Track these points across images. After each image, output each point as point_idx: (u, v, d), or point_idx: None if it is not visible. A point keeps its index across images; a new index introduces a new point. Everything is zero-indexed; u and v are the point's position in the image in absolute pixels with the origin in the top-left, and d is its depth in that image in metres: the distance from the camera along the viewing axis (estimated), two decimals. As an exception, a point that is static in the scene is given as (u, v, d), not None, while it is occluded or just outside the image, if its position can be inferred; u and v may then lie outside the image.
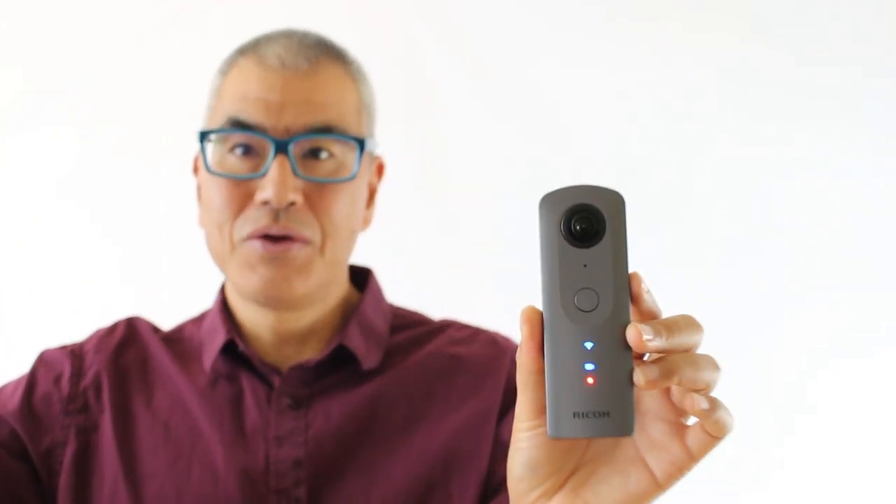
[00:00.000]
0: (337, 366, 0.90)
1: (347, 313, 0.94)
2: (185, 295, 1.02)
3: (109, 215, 1.52)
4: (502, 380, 0.90)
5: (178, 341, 0.94)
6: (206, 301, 0.99)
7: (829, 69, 1.64)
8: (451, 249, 1.66)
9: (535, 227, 0.54)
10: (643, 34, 1.70)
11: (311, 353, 0.91)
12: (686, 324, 0.51)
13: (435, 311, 1.02)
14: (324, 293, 0.91)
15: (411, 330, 0.96)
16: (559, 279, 0.51)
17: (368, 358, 0.90)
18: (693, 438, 0.53)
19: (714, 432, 0.52)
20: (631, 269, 0.52)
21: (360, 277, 0.98)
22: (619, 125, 1.70)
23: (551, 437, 0.52)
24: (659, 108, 1.70)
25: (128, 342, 0.93)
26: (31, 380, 0.90)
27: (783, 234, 1.63)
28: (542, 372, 0.52)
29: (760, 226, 1.64)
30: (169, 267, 1.51)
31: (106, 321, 0.97)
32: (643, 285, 0.52)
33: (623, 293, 0.51)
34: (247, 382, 0.89)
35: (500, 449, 0.86)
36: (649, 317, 0.52)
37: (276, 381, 0.88)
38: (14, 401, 0.88)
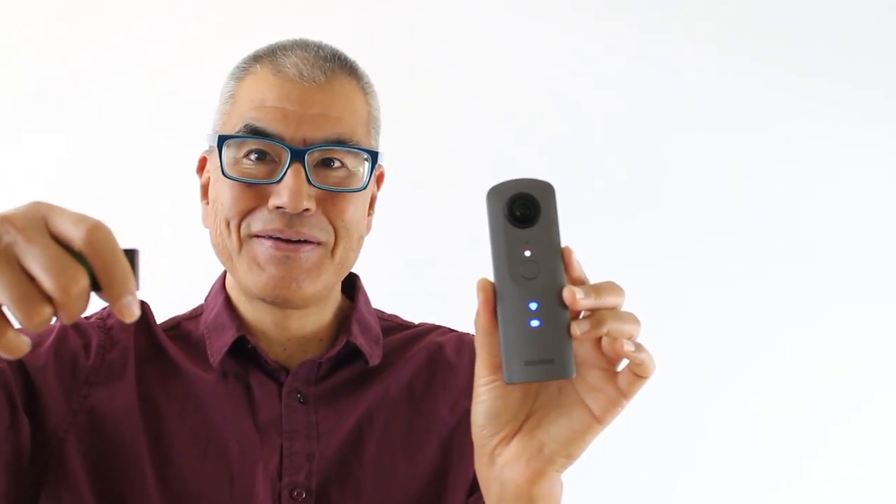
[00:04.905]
0: (342, 364, 0.93)
1: (341, 317, 0.97)
2: (184, 295, 1.02)
3: (109, 215, 1.56)
4: None
5: (180, 336, 0.94)
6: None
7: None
8: (448, 249, 1.72)
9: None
10: (644, 39, 1.79)
11: (315, 353, 0.93)
12: (610, 287, 0.62)
13: (432, 311, 1.06)
14: (327, 295, 0.93)
15: (399, 332, 1.00)
16: (506, 254, 0.62)
17: (373, 355, 0.93)
18: (623, 380, 0.64)
19: (640, 372, 0.63)
20: (566, 244, 0.63)
21: (347, 282, 0.99)
22: (619, 126, 1.78)
23: (507, 384, 0.63)
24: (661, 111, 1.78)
25: (141, 326, 0.93)
26: (61, 336, 0.88)
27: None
28: (496, 333, 0.63)
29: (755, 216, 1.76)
30: (168, 267, 1.50)
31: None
32: (573, 257, 0.62)
33: (558, 263, 0.62)
34: (255, 379, 0.90)
35: None
36: (579, 282, 0.62)
37: (284, 378, 0.90)
38: (42, 346, 0.86)
